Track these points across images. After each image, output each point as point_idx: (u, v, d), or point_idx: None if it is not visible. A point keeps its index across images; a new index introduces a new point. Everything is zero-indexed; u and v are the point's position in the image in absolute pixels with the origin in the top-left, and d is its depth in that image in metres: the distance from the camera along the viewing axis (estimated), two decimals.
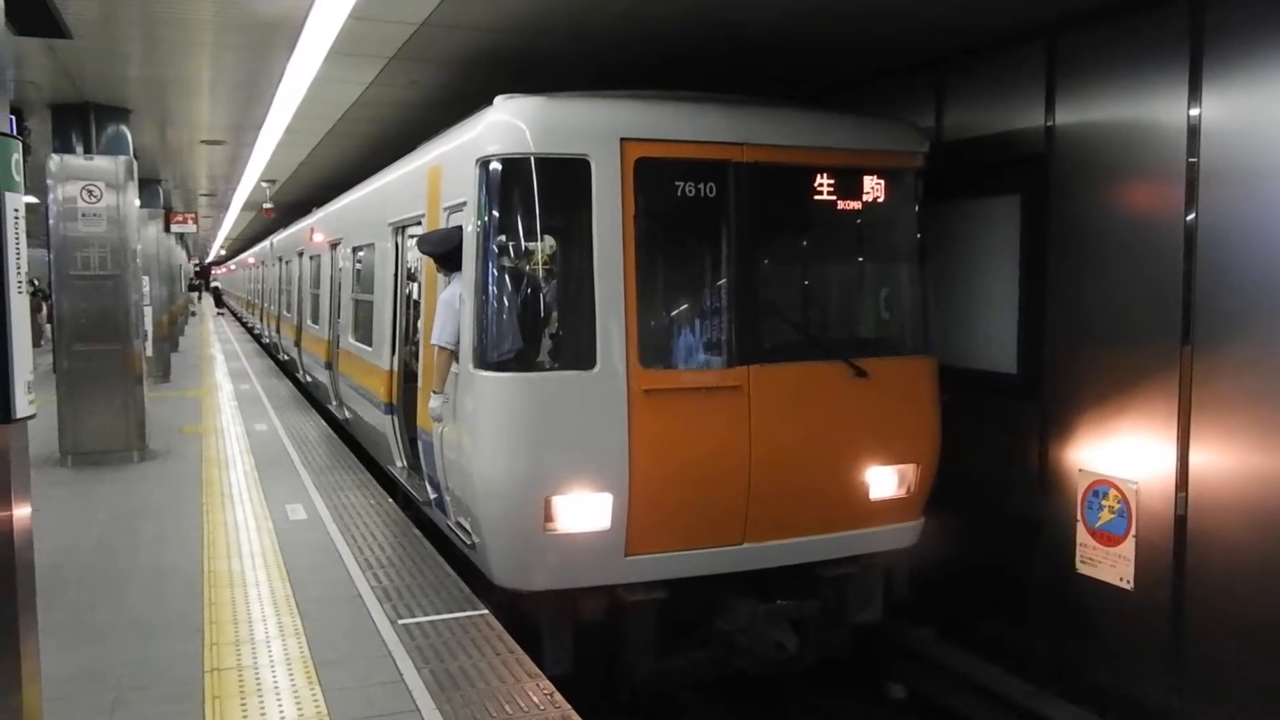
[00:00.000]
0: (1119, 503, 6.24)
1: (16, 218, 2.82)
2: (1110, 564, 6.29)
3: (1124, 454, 6.28)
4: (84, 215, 10.40)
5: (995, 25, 6.88)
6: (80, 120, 10.90)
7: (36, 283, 20.12)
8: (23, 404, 2.80)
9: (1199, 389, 5.83)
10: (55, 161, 10.39)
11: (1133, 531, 6.15)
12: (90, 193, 10.40)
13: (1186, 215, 5.85)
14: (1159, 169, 6.05)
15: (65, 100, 10.70)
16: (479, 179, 6.07)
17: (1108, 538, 6.32)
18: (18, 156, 2.85)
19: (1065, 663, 6.83)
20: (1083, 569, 6.48)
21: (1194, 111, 5.81)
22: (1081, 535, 6.49)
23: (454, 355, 6.38)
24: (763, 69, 8.27)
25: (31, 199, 14.50)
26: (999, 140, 7.26)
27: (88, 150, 10.83)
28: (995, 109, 7.33)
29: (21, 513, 2.84)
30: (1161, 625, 6.08)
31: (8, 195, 2.78)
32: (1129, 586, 6.17)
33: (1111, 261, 6.39)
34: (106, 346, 10.57)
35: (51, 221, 10.44)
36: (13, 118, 10.01)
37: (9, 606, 2.81)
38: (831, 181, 6.44)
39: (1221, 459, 5.72)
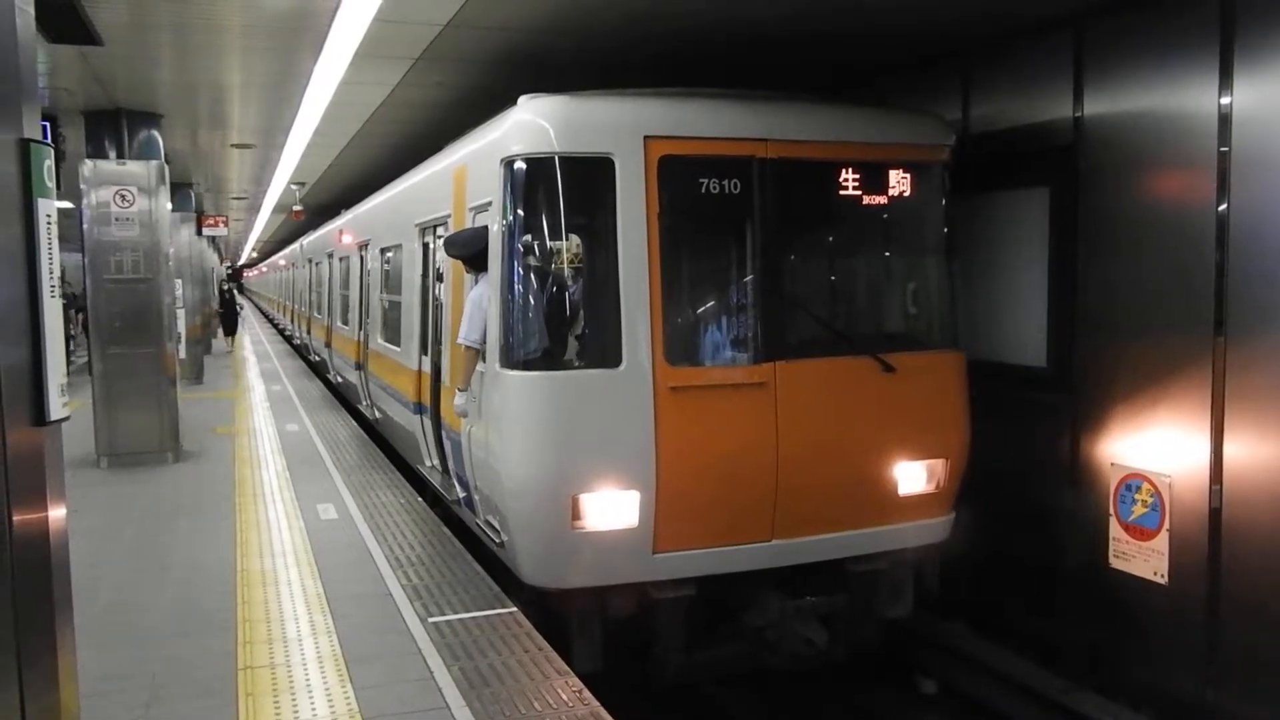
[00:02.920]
0: (1152, 496, 6.17)
1: (49, 223, 2.86)
2: (1144, 558, 6.22)
3: (1157, 447, 6.21)
4: (117, 219, 10.54)
5: (1022, 14, 6.82)
6: (113, 126, 11.06)
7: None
8: (56, 406, 2.84)
9: (1232, 380, 5.75)
10: (88, 167, 10.54)
11: (1166, 525, 6.08)
12: (123, 197, 10.53)
13: (1218, 205, 5.77)
14: (1190, 159, 5.97)
15: (98, 106, 10.85)
16: (504, 179, 6.10)
17: (1141, 532, 6.25)
18: (49, 163, 2.89)
19: (1099, 657, 6.77)
20: (1116, 563, 6.41)
21: (1225, 100, 5.73)
22: (1114, 529, 6.42)
23: (480, 354, 6.42)
24: (787, 64, 8.25)
25: (66, 204, 14.70)
26: (1027, 132, 7.20)
27: (120, 155, 10.97)
28: (1023, 100, 7.26)
29: (56, 514, 2.88)
30: (1196, 619, 6.01)
31: (40, 201, 2.82)
32: (1163, 581, 6.10)
33: (1142, 252, 6.31)
34: (140, 349, 10.70)
35: (85, 226, 10.58)
36: (47, 124, 10.17)
37: (46, 605, 2.86)
38: (857, 176, 6.41)
39: (1257, 451, 5.64)
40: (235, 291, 33.36)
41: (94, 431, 10.69)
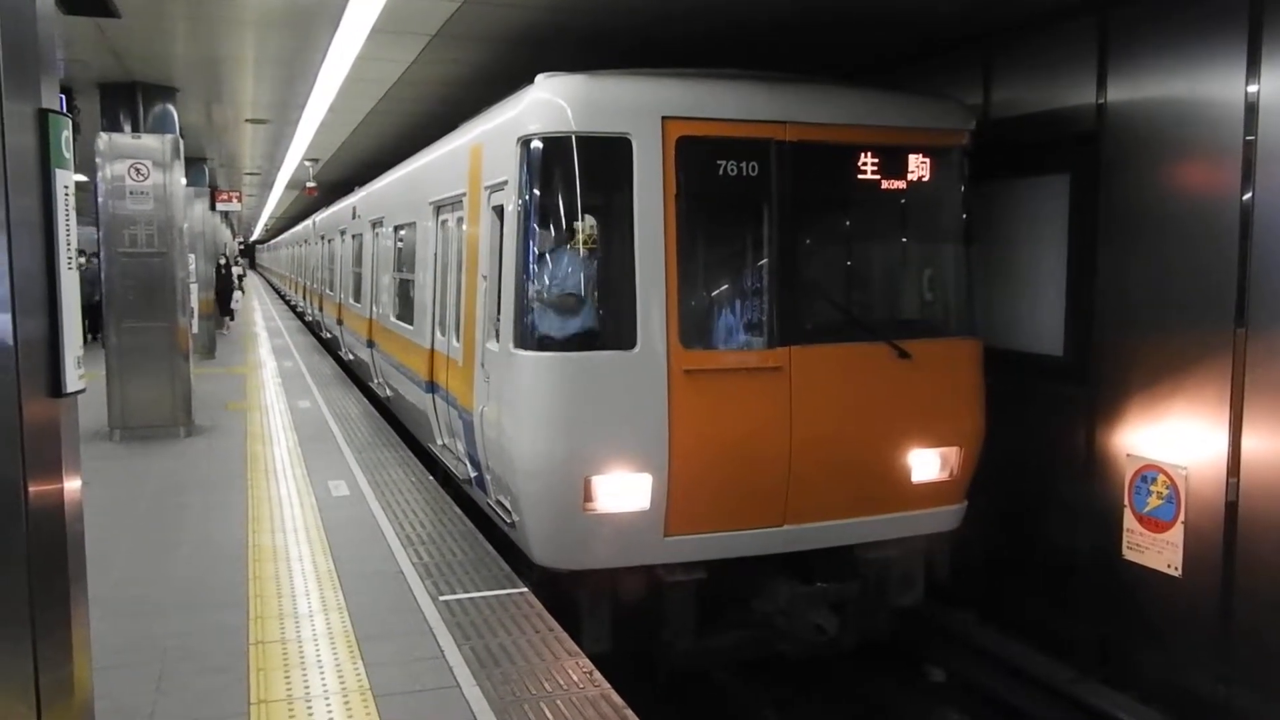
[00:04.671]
0: (1167, 488, 6.13)
1: (67, 194, 2.84)
2: (1158, 550, 6.19)
3: (1173, 438, 6.16)
4: (131, 193, 10.55)
5: None
6: (128, 99, 11.05)
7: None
8: (72, 379, 2.83)
9: (1252, 372, 5.69)
10: (103, 140, 10.54)
11: (1181, 517, 6.04)
12: (138, 171, 10.53)
13: (1243, 195, 5.70)
14: (1215, 147, 5.90)
15: (113, 79, 10.83)
16: (520, 157, 6.06)
17: (1155, 523, 6.21)
18: (68, 134, 2.86)
19: (1110, 649, 6.74)
20: (1129, 555, 6.38)
21: (1252, 88, 5.65)
22: (1128, 521, 6.39)
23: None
24: (807, 46, 8.17)
25: (81, 177, 14.71)
26: (1048, 118, 7.12)
27: (135, 129, 10.96)
28: (1045, 85, 7.18)
29: (72, 485, 2.87)
30: (1210, 613, 5.97)
31: (58, 172, 2.79)
32: (1177, 573, 6.06)
33: (1164, 242, 6.25)
34: (153, 323, 10.73)
35: (100, 199, 10.60)
36: (63, 96, 10.16)
37: (60, 578, 2.85)
38: (875, 160, 6.35)
39: (1276, 444, 5.59)
40: (232, 267, 27.85)
41: (107, 404, 10.72)
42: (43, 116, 2.75)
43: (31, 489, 2.71)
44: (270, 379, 15.93)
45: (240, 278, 29.18)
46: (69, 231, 2.83)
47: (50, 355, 2.77)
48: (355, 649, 5.21)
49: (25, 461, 2.69)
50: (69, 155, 2.86)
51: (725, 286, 6.39)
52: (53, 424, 2.81)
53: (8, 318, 2.62)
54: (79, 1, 7.12)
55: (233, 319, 26.28)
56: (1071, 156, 6.91)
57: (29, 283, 2.70)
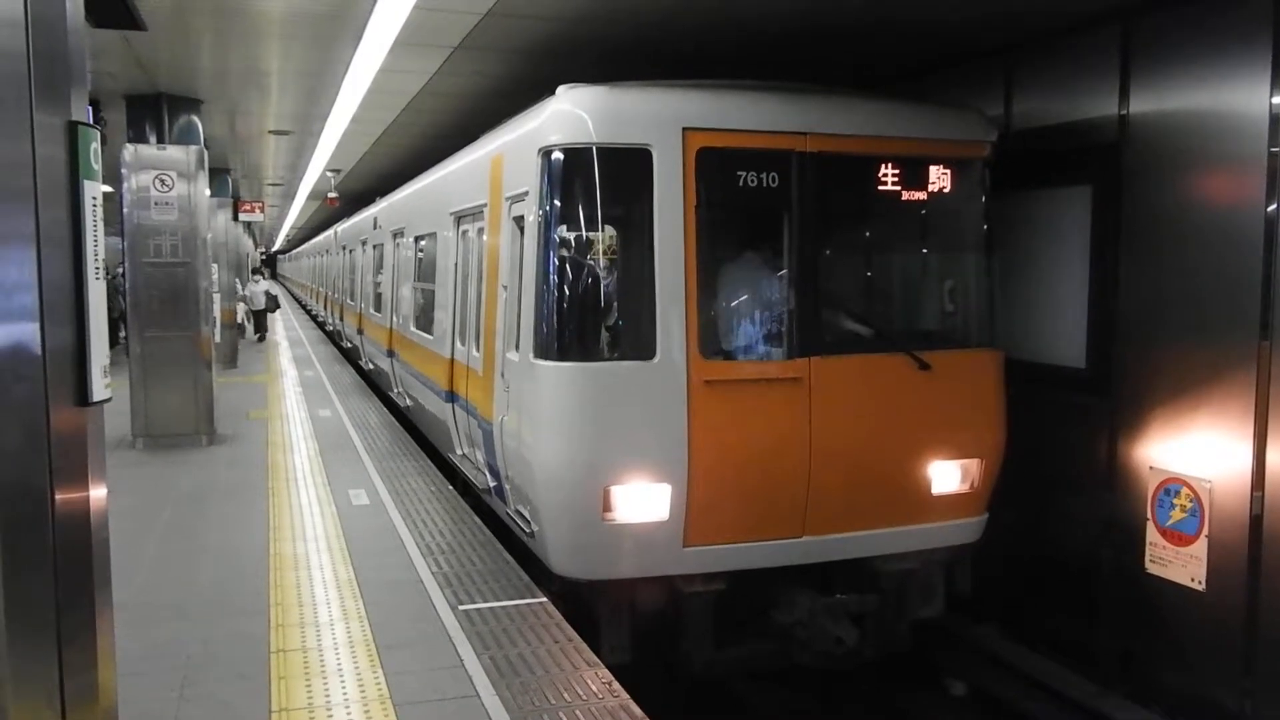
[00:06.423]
0: (1191, 501, 6.08)
1: (95, 205, 2.87)
2: (1181, 564, 6.13)
3: (1197, 451, 6.11)
4: (156, 204, 10.66)
5: (1067, 9, 6.72)
6: (153, 111, 11.18)
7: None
8: (99, 388, 2.85)
9: (1277, 385, 5.64)
10: (129, 151, 10.66)
11: (1205, 531, 5.98)
12: (163, 182, 10.64)
13: (1267, 206, 5.66)
14: (1238, 159, 5.86)
15: (139, 91, 10.97)
16: (541, 168, 6.09)
17: (1179, 537, 6.16)
18: (96, 145, 2.90)
19: (1133, 663, 6.68)
20: (1152, 569, 6.32)
21: (1277, 99, 5.61)
22: (1151, 534, 6.33)
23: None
24: (830, 57, 8.18)
25: (107, 188, 14.85)
26: (1070, 129, 7.09)
27: (160, 140, 11.09)
28: (1067, 97, 7.15)
29: (98, 493, 2.89)
30: (1234, 627, 5.91)
31: (86, 183, 2.82)
32: (1201, 587, 6.01)
33: (1187, 254, 6.21)
34: (177, 332, 10.83)
35: (125, 210, 10.71)
36: (90, 108, 10.28)
37: (86, 584, 2.87)
38: (896, 171, 6.35)
39: None
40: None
41: (130, 413, 10.82)
42: (72, 129, 2.79)
43: (58, 496, 2.73)
44: (291, 388, 16.02)
45: (270, 296, 25.85)
46: (96, 242, 2.86)
47: (77, 365, 2.80)
48: (375, 657, 5.23)
49: (52, 469, 2.71)
50: (97, 167, 2.89)
51: (745, 297, 6.39)
52: (79, 432, 2.84)
53: (36, 327, 2.65)
54: (106, 14, 7.19)
55: (259, 338, 25.30)
56: (1094, 168, 6.88)
57: (57, 293, 2.73)
